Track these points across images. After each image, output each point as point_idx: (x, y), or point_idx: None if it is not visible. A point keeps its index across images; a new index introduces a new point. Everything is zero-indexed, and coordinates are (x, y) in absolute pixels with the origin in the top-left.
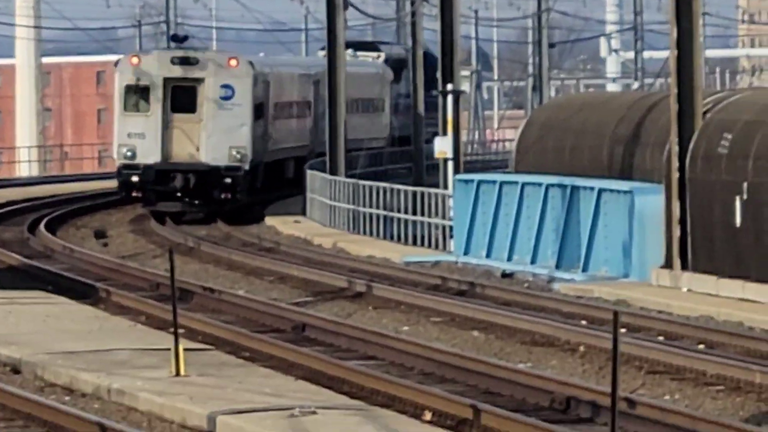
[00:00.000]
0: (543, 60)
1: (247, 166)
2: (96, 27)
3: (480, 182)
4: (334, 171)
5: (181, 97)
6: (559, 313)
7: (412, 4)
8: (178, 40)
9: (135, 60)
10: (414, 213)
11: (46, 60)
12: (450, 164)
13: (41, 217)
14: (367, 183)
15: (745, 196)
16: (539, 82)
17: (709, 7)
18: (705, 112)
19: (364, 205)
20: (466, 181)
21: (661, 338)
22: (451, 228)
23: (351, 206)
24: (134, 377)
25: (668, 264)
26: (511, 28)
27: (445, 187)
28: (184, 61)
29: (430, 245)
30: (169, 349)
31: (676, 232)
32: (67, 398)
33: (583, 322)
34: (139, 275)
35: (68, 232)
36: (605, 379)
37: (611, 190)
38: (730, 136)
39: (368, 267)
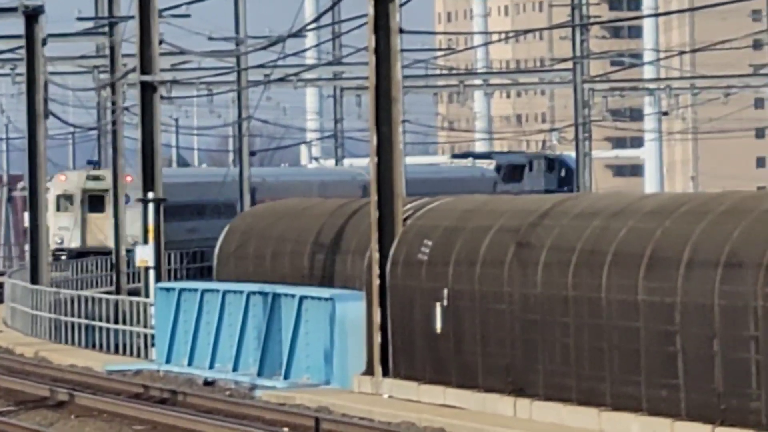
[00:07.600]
0: (244, 168)
1: None
2: None
3: (182, 290)
4: (35, 280)
5: (94, 202)
6: (261, 420)
7: (113, 113)
8: (92, 163)
9: (63, 177)
10: (116, 322)
11: None
12: (151, 273)
13: None
14: (69, 292)
15: (445, 303)
16: (240, 190)
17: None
18: (405, 219)
19: (65, 315)
20: (168, 290)
21: None
22: (153, 336)
23: (53, 315)
24: None
25: (370, 370)
26: (213, 136)
27: (147, 295)
28: (95, 178)
29: (132, 354)
30: None
31: (377, 338)
32: None
33: (285, 430)
34: None
35: None
36: None
37: (312, 297)
38: (430, 243)
39: (70, 376)
